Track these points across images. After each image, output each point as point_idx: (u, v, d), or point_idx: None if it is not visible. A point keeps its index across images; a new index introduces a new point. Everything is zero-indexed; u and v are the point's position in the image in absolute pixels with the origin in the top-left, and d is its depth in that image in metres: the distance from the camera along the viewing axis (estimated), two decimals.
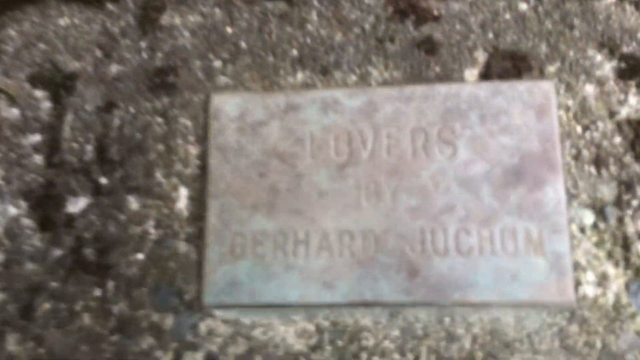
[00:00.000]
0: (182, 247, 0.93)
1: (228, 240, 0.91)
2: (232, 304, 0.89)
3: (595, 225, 0.89)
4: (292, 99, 0.96)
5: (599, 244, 0.88)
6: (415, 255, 0.87)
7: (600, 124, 0.92)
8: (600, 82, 0.94)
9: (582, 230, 0.89)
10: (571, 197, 0.90)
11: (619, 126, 0.92)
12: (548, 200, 0.87)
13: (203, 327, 0.90)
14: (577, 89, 0.94)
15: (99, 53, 1.03)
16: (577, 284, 0.87)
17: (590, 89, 0.94)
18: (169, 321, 0.91)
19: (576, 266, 0.87)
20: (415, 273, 0.87)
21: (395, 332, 0.88)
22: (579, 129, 0.93)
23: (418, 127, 0.92)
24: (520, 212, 0.87)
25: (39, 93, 1.03)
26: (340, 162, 0.92)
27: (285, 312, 0.90)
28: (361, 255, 0.88)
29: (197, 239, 0.93)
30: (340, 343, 0.88)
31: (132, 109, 1.00)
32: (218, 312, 0.91)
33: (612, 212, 0.89)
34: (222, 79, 1.00)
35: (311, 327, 0.89)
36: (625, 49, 0.95)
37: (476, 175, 0.89)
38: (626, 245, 0.88)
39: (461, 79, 0.96)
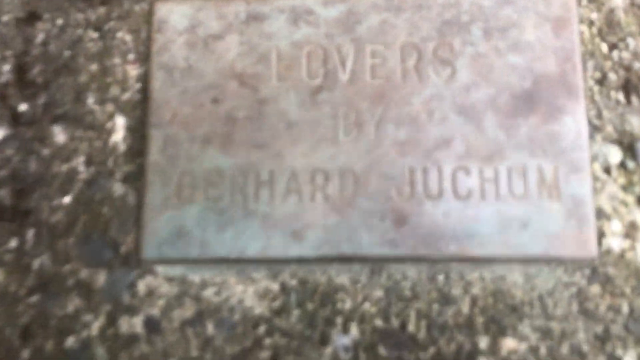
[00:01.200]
0: (118, 188, 0.77)
1: (174, 181, 0.75)
2: (178, 257, 0.74)
3: (622, 165, 0.75)
4: (254, 7, 0.79)
5: (627, 187, 0.74)
6: (402, 200, 0.72)
7: (630, 42, 0.77)
8: None
9: (607, 170, 0.74)
10: (594, 129, 0.75)
11: None
12: (566, 132, 0.72)
13: (142, 286, 0.75)
14: None
15: None
16: (600, 235, 0.72)
17: (619, 0, 0.78)
18: (100, 278, 0.76)
19: (599, 213, 0.73)
20: (403, 221, 0.72)
21: (378, 293, 0.73)
22: (604, 47, 0.77)
23: (409, 43, 0.76)
24: (531, 147, 0.72)
25: None
26: (313, 85, 0.76)
27: (243, 267, 0.75)
28: (337, 199, 0.73)
29: (136, 179, 0.77)
30: (310, 306, 0.73)
31: (59, 21, 0.83)
32: (160, 268, 0.75)
33: None
34: None
35: (275, 287, 0.74)
36: None
37: (479, 102, 0.74)
38: None
39: None
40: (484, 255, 0.71)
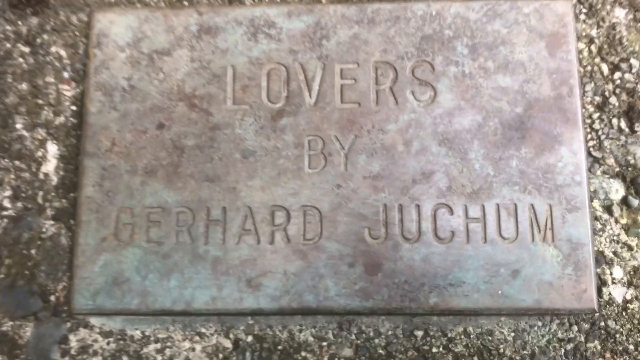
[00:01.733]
0: (48, 227, 0.67)
1: (111, 219, 0.65)
2: (116, 309, 0.64)
3: (625, 202, 0.66)
4: (207, 18, 0.69)
5: (630, 228, 0.65)
6: (376, 242, 0.63)
7: (634, 62, 0.68)
8: (634, 5, 0.69)
9: (608, 208, 0.66)
10: (594, 162, 0.66)
11: None
12: (562, 166, 0.64)
13: (75, 341, 0.65)
14: (603, 13, 0.69)
15: None
16: (601, 283, 0.63)
17: (621, 14, 0.69)
18: (27, 332, 0.65)
19: (599, 259, 0.64)
20: (376, 267, 0.63)
21: (347, 352, 0.64)
22: (605, 68, 0.68)
23: (384, 62, 0.67)
24: (523, 183, 0.63)
25: None
26: (274, 109, 0.66)
27: (190, 321, 0.65)
28: (300, 242, 0.63)
29: (69, 216, 0.66)
30: None
31: None
32: (95, 321, 0.65)
33: None
34: None
35: (227, 344, 0.64)
36: None
37: (463, 131, 0.65)
38: None
39: None
40: (468, 308, 0.62)
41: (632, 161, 0.66)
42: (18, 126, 0.70)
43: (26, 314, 0.66)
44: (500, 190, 0.64)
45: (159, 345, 0.65)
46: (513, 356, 0.63)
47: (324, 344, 0.64)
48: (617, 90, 0.68)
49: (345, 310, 0.63)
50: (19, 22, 0.72)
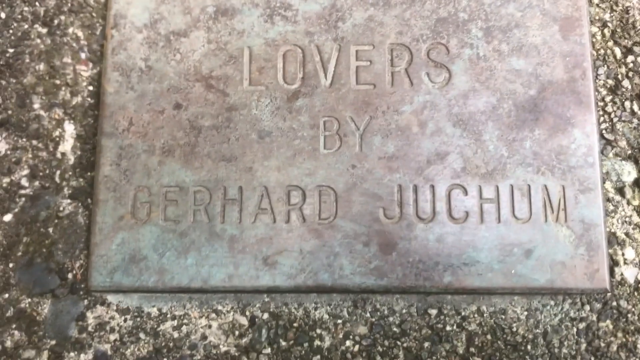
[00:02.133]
0: (66, 206, 0.68)
1: (128, 198, 0.66)
2: (132, 286, 0.65)
3: (637, 184, 0.67)
4: (224, 0, 0.69)
5: None
6: (390, 222, 0.64)
7: None
8: None
9: (620, 190, 0.66)
10: (606, 144, 0.67)
11: None
12: (575, 147, 0.64)
13: (92, 318, 0.66)
14: None
15: None
16: (613, 264, 0.64)
17: None
18: (44, 309, 0.66)
19: (611, 240, 0.64)
20: (390, 246, 0.63)
21: (362, 329, 0.64)
22: (618, 52, 0.69)
23: (399, 44, 0.68)
24: (537, 164, 0.64)
25: None
26: (289, 90, 0.67)
27: (207, 299, 0.65)
28: (315, 221, 0.64)
29: (87, 195, 0.67)
30: (283, 343, 0.64)
31: (2, 14, 0.73)
32: (112, 298, 0.66)
33: None
34: None
35: (243, 321, 0.65)
36: None
37: (478, 112, 0.65)
38: None
39: None
40: (482, 287, 0.63)
41: None
42: (35, 106, 0.70)
43: (44, 291, 0.67)
44: (514, 171, 0.65)
45: (175, 323, 0.66)
46: (526, 335, 0.64)
47: (339, 321, 0.65)
48: (630, 74, 0.69)
49: (360, 288, 0.64)
50: (37, 3, 0.73)
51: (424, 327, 0.64)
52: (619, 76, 0.69)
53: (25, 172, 0.69)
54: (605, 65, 0.69)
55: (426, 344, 0.64)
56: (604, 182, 0.67)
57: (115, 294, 0.67)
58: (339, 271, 0.64)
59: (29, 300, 0.67)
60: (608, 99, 0.68)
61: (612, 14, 0.70)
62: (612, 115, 0.68)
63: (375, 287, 0.64)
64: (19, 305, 0.67)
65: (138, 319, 0.66)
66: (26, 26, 0.73)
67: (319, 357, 0.64)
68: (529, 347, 0.63)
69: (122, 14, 0.70)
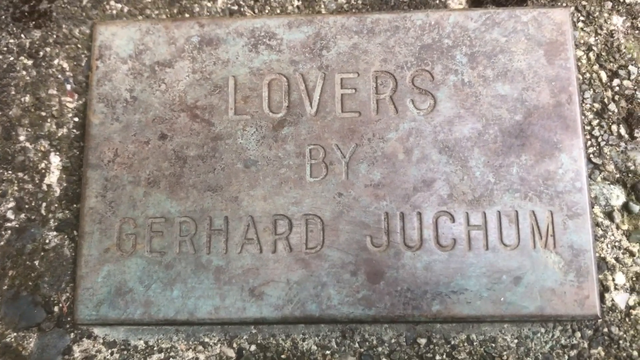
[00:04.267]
0: (52, 238, 0.68)
1: (114, 230, 0.66)
2: (119, 319, 0.65)
3: (626, 208, 0.67)
4: (208, 30, 0.70)
5: (631, 234, 0.66)
6: (378, 250, 0.64)
7: (632, 69, 0.70)
8: (631, 13, 0.71)
9: (609, 215, 0.67)
10: (594, 168, 0.67)
11: None
12: (562, 172, 0.65)
13: (78, 352, 0.66)
14: (601, 20, 0.71)
15: None
16: (603, 289, 0.64)
17: (618, 22, 0.71)
18: (30, 343, 0.66)
19: (601, 265, 0.65)
20: (378, 275, 0.64)
21: None
22: (604, 75, 0.70)
23: (384, 71, 0.68)
24: (524, 190, 0.64)
25: None
26: (275, 119, 0.68)
27: (194, 331, 0.65)
28: (302, 250, 0.64)
29: (73, 227, 0.68)
30: None
31: None
32: (99, 331, 0.66)
33: None
34: (114, 5, 0.74)
35: (230, 353, 0.65)
36: None
37: (463, 139, 0.66)
38: None
39: (444, 5, 0.72)
40: (471, 315, 0.63)
41: (632, 167, 0.68)
42: (21, 138, 0.71)
43: (30, 324, 0.67)
44: (501, 198, 0.65)
45: (162, 355, 0.66)
46: None
47: (327, 352, 0.65)
48: (616, 97, 0.69)
49: (348, 318, 0.64)
50: (22, 35, 0.74)
51: (413, 357, 0.64)
52: (605, 100, 0.69)
53: (11, 204, 0.70)
54: (592, 89, 0.70)
55: None
56: (593, 207, 0.67)
57: (101, 327, 0.67)
58: (327, 301, 0.64)
59: (15, 334, 0.67)
60: (595, 122, 0.69)
61: (596, 38, 0.71)
62: (600, 139, 0.69)
63: (363, 317, 0.64)
64: (4, 339, 0.67)
65: (125, 352, 0.66)
66: (12, 58, 0.74)
67: None
68: None
69: (107, 45, 0.71)
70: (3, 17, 0.75)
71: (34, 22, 0.74)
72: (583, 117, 0.68)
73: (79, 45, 0.74)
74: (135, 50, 0.70)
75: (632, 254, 0.66)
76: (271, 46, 0.70)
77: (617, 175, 0.68)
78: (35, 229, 0.69)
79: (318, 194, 0.66)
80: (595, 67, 0.70)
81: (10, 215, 0.70)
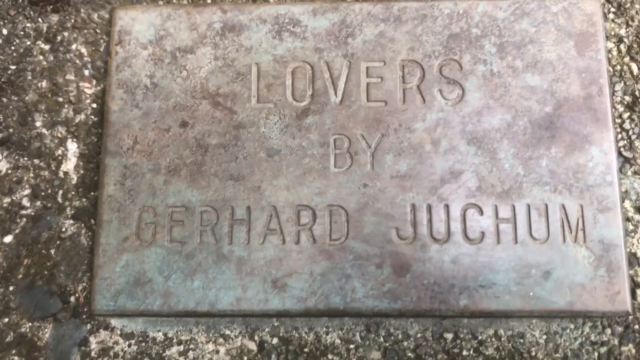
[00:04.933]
0: (68, 227, 0.67)
1: (133, 219, 0.65)
2: (137, 310, 0.64)
3: None
4: (231, 16, 0.69)
5: None
6: (404, 243, 0.63)
7: None
8: None
9: None
10: (624, 162, 0.66)
11: None
12: (593, 166, 0.64)
13: (95, 343, 0.65)
14: (632, 12, 0.70)
15: None
16: (634, 285, 0.63)
17: None
18: (46, 334, 0.65)
19: (632, 260, 0.64)
20: (404, 268, 0.62)
21: (375, 355, 0.63)
22: (635, 68, 0.69)
23: (411, 60, 0.67)
24: (554, 183, 0.63)
25: None
26: (299, 107, 0.67)
27: (214, 323, 0.64)
28: (326, 242, 0.63)
29: (90, 216, 0.66)
30: None
31: (4, 30, 0.72)
32: (116, 322, 0.65)
33: None
34: None
35: (252, 346, 0.64)
36: None
37: (492, 130, 0.65)
38: None
39: None
40: (499, 310, 0.62)
41: None
42: (37, 124, 0.70)
43: (45, 315, 0.66)
44: (531, 190, 0.64)
45: (181, 348, 0.64)
46: (545, 359, 0.62)
47: (352, 346, 0.63)
48: None
49: (373, 312, 0.63)
50: (39, 20, 0.73)
51: (439, 352, 0.63)
52: (637, 92, 0.68)
53: (27, 191, 0.68)
54: (622, 82, 0.69)
55: None
56: (623, 201, 0.66)
57: (119, 318, 0.65)
58: (351, 294, 0.63)
59: (30, 324, 0.66)
60: (625, 115, 0.68)
61: (627, 30, 0.70)
62: (630, 132, 0.67)
63: (388, 310, 0.63)
64: (19, 329, 0.66)
65: (143, 344, 0.65)
66: (28, 43, 0.72)
67: None
68: None
69: (127, 30, 0.69)
70: (20, 0, 0.73)
71: (51, 6, 0.73)
72: (613, 110, 0.67)
73: (98, 30, 0.72)
74: (155, 36, 0.69)
75: None
76: (295, 33, 0.69)
77: None
78: (51, 217, 0.68)
79: (342, 184, 0.65)
80: (626, 59, 0.69)
81: (25, 202, 0.68)
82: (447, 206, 0.64)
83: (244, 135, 0.66)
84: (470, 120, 0.66)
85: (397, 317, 0.64)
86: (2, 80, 0.71)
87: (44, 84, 0.71)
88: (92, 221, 0.67)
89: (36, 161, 0.69)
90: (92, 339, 0.65)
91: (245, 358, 0.64)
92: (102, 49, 0.72)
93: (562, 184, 0.64)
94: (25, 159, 0.69)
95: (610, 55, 0.69)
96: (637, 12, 0.70)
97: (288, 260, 0.63)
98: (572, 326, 0.64)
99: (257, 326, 0.65)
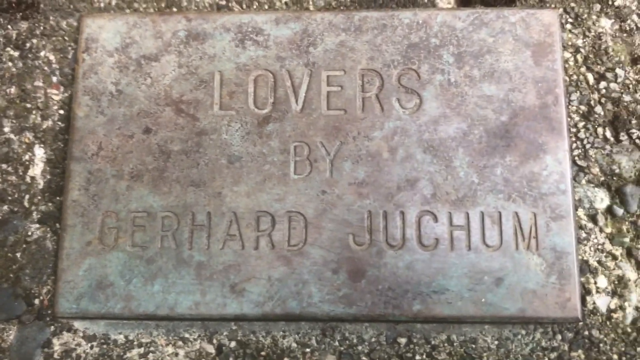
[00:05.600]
0: (34, 231, 0.69)
1: (96, 223, 0.66)
2: (99, 313, 0.66)
3: (610, 211, 0.68)
4: (196, 25, 0.71)
5: (614, 238, 0.67)
6: (360, 249, 0.64)
7: (619, 72, 0.70)
8: (620, 16, 0.71)
9: (593, 217, 0.67)
10: (579, 170, 0.67)
11: None
12: (547, 174, 0.65)
13: (58, 345, 0.67)
14: (589, 22, 0.71)
15: None
16: (585, 292, 0.64)
17: (607, 24, 0.71)
18: (10, 336, 0.67)
19: (583, 268, 0.65)
20: (360, 274, 0.64)
21: (330, 358, 0.65)
22: (591, 77, 0.70)
23: (370, 69, 0.69)
24: (508, 191, 0.65)
25: None
26: (260, 115, 0.68)
27: (173, 326, 0.66)
28: (284, 248, 0.64)
29: (55, 220, 0.68)
30: None
31: None
32: (79, 324, 0.67)
33: (634, 193, 0.67)
34: None
35: (210, 349, 0.65)
36: None
37: (448, 138, 0.66)
38: None
39: (432, 4, 0.72)
40: (452, 315, 0.63)
41: (617, 170, 0.68)
42: (6, 129, 0.71)
43: (10, 317, 0.68)
44: (485, 198, 0.65)
45: (142, 350, 0.66)
46: None
47: (307, 350, 0.65)
48: (603, 100, 0.70)
49: (329, 316, 0.64)
50: (9, 27, 0.74)
51: (393, 356, 0.65)
52: (592, 102, 0.70)
53: None
54: (578, 91, 0.70)
55: None
56: (577, 209, 0.67)
57: (81, 320, 0.67)
58: (308, 299, 0.64)
59: None
60: (581, 125, 0.69)
61: (584, 40, 0.71)
62: (585, 141, 0.69)
63: (344, 315, 0.64)
64: None
65: (104, 346, 0.66)
66: None
67: None
68: None
69: (94, 37, 0.71)
70: None
71: (21, 14, 0.75)
72: (569, 119, 0.68)
73: (66, 38, 0.74)
74: (121, 44, 0.71)
75: (614, 258, 0.66)
76: (258, 42, 0.70)
77: (602, 178, 0.68)
78: (17, 221, 0.69)
79: (302, 191, 0.67)
80: (583, 69, 0.71)
81: None
82: (402, 213, 0.65)
83: (205, 142, 0.68)
84: (427, 129, 0.67)
85: (352, 321, 0.66)
86: None
87: (13, 90, 0.72)
88: (57, 225, 0.69)
89: (4, 166, 0.71)
90: (55, 340, 0.67)
91: None
92: (70, 56, 0.73)
93: (516, 192, 0.65)
94: None
95: (567, 65, 0.71)
96: (593, 23, 0.72)
97: (247, 266, 0.65)
98: (523, 332, 0.65)
99: (215, 330, 0.66)
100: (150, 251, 0.66)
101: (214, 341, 0.66)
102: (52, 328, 0.67)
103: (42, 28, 0.74)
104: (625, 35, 0.71)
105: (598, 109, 0.69)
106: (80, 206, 0.67)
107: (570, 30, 0.72)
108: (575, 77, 0.70)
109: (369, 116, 0.68)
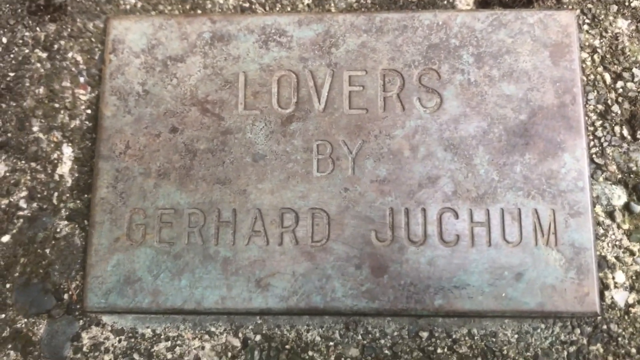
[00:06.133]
0: (63, 227, 0.71)
1: (124, 220, 0.68)
2: (127, 307, 0.67)
3: (627, 208, 0.69)
4: (220, 26, 0.73)
5: (632, 234, 0.68)
6: (382, 245, 0.66)
7: (636, 72, 0.72)
8: (636, 16, 0.73)
9: (610, 214, 0.68)
10: (596, 168, 0.69)
11: None
12: (565, 172, 0.66)
13: (87, 338, 0.68)
14: (606, 23, 0.73)
15: None
16: (603, 287, 0.66)
17: (623, 25, 0.72)
18: (40, 329, 0.69)
19: (601, 263, 0.66)
20: (382, 269, 0.65)
21: (353, 352, 0.66)
22: (608, 77, 0.72)
23: (391, 69, 0.70)
24: (527, 188, 0.66)
25: None
26: (284, 114, 0.70)
27: (200, 320, 0.67)
28: (308, 244, 0.66)
29: (83, 217, 0.70)
30: None
31: (3, 39, 0.76)
32: (107, 319, 0.68)
33: None
34: (128, 0, 0.76)
35: (236, 342, 0.67)
36: None
37: (468, 137, 0.68)
38: None
39: (451, 5, 0.74)
40: (473, 310, 0.65)
41: (634, 168, 0.69)
42: (35, 129, 0.74)
43: (40, 311, 0.69)
44: (505, 195, 0.67)
45: (169, 344, 0.68)
46: (516, 358, 0.65)
47: (331, 343, 0.67)
48: (620, 99, 0.71)
49: (352, 311, 0.66)
50: (37, 29, 0.76)
51: (415, 350, 0.66)
52: (609, 101, 0.71)
53: (24, 193, 0.72)
54: (595, 91, 0.71)
55: None
56: (594, 206, 0.69)
57: (110, 314, 0.69)
58: (331, 294, 0.66)
59: (25, 320, 0.69)
60: (598, 123, 0.71)
61: (601, 40, 0.73)
62: (602, 139, 0.70)
63: (367, 309, 0.66)
64: (15, 325, 0.69)
65: (132, 340, 0.68)
66: (27, 51, 0.76)
67: None
68: None
69: (121, 39, 0.73)
70: (19, 10, 0.77)
71: (49, 16, 0.77)
72: (586, 118, 0.70)
73: (93, 39, 0.76)
74: (148, 45, 0.73)
75: (632, 253, 0.68)
76: (281, 43, 0.72)
77: (619, 176, 0.70)
78: (46, 218, 0.71)
79: (324, 188, 0.68)
80: (600, 69, 0.72)
81: (22, 204, 0.72)
82: (424, 210, 0.67)
83: (230, 140, 0.70)
84: (448, 127, 0.69)
85: (375, 316, 0.67)
86: (1, 86, 0.75)
87: (41, 90, 0.75)
88: (86, 222, 0.70)
89: (33, 164, 0.73)
90: (84, 334, 0.69)
91: (229, 354, 0.67)
92: (96, 57, 0.75)
93: (535, 190, 0.67)
94: (23, 162, 0.73)
95: (584, 65, 0.72)
96: (610, 24, 0.73)
97: (271, 261, 0.67)
98: (542, 326, 0.67)
99: (241, 324, 0.68)
100: (177, 247, 0.67)
101: (240, 335, 0.68)
102: (81, 322, 0.69)
103: (69, 30, 0.76)
104: None
105: (615, 107, 0.71)
106: (108, 203, 0.69)
107: (587, 31, 0.73)
108: (592, 76, 0.72)
109: (390, 115, 0.69)
